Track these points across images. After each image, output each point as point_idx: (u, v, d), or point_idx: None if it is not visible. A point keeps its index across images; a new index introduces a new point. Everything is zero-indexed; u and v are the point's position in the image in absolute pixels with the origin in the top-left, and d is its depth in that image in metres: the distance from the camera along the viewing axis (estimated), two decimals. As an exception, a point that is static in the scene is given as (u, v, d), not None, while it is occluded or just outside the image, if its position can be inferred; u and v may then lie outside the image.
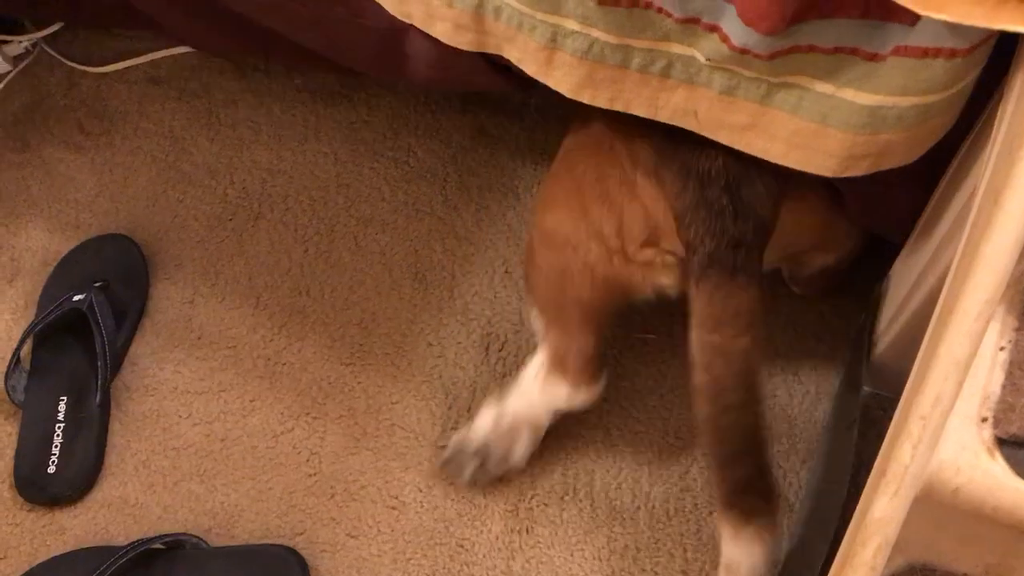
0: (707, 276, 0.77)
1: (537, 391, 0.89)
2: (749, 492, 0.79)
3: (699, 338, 0.77)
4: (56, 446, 1.00)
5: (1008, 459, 0.53)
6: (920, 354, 0.57)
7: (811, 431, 0.98)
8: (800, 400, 1.00)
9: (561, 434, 0.99)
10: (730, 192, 0.77)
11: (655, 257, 0.82)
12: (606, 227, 0.80)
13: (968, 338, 0.51)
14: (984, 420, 0.54)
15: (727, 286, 0.76)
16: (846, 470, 0.88)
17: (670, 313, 1.04)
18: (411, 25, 0.83)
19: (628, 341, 1.03)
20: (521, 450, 0.92)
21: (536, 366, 0.89)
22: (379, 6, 0.84)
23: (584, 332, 0.85)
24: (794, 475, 0.97)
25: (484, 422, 0.93)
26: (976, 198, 0.57)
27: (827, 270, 0.97)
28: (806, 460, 0.97)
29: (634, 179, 0.81)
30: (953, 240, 0.68)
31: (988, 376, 0.55)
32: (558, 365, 0.87)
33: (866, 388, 0.94)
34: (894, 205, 0.85)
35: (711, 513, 0.95)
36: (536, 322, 0.88)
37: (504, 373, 1.03)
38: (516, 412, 0.91)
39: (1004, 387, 0.55)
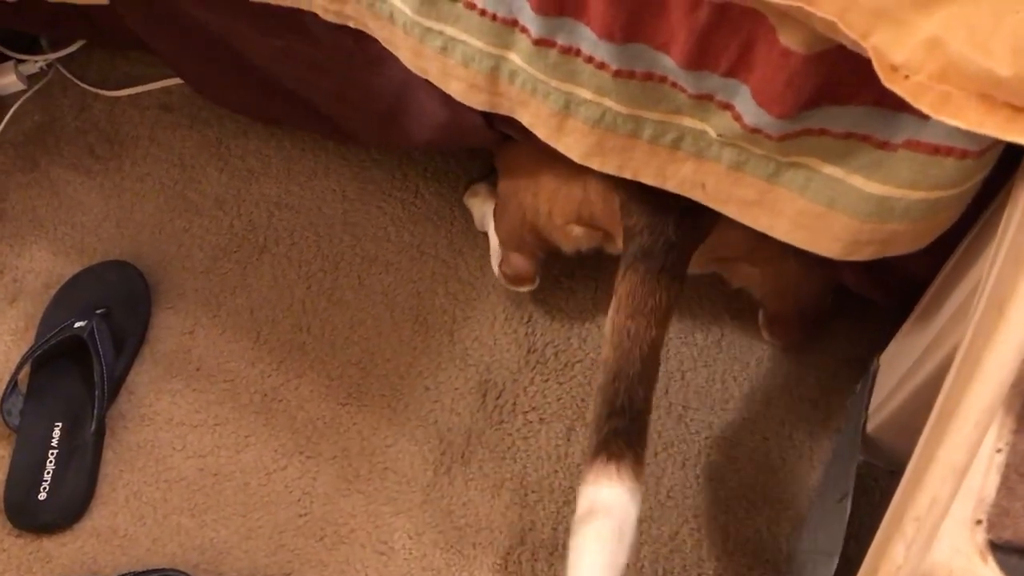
0: (635, 267, 0.84)
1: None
2: (619, 437, 0.82)
3: (616, 320, 0.85)
4: (48, 472, 1.00)
5: (1001, 565, 0.53)
6: (917, 451, 0.57)
7: (803, 497, 0.99)
8: (793, 465, 1.00)
9: (552, 488, 0.99)
10: (678, 196, 0.80)
11: (581, 232, 0.93)
12: (543, 204, 0.92)
13: (967, 445, 0.52)
14: (978, 523, 0.55)
15: (652, 282, 0.84)
16: (837, 543, 0.88)
17: (666, 371, 1.05)
18: (423, 82, 0.84)
19: (625, 396, 1.04)
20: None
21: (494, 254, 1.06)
22: (395, 58, 0.85)
23: (524, 257, 1.02)
24: (784, 540, 0.97)
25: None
26: (979, 299, 0.57)
27: (787, 313, 1.02)
28: (796, 526, 0.97)
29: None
30: (955, 331, 0.68)
31: (984, 478, 0.56)
32: (505, 268, 1.04)
33: (860, 457, 0.95)
34: (894, 275, 0.85)
35: (699, 574, 0.95)
36: (495, 243, 1.05)
37: (500, 421, 1.03)
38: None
39: (999, 490, 0.56)
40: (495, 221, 1.04)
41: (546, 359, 1.06)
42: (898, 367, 0.86)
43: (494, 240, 1.05)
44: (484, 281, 1.11)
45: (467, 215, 1.15)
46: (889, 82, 0.55)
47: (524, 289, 1.06)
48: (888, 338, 0.93)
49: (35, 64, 1.24)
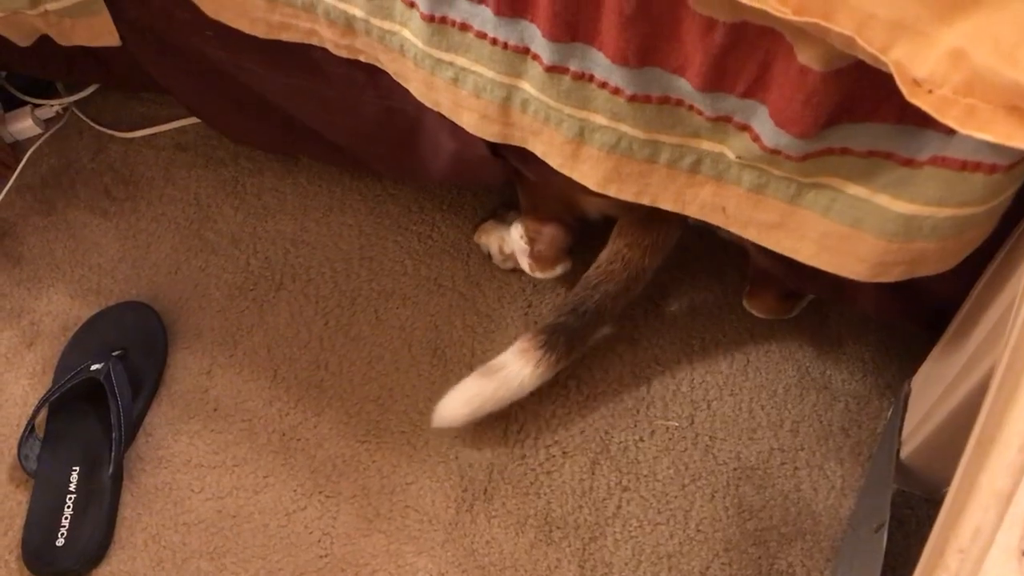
0: (638, 206, 0.87)
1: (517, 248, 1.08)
2: (562, 335, 0.95)
3: (616, 244, 0.96)
4: (66, 518, 0.99)
5: (1050, 597, 0.50)
6: (957, 481, 0.55)
7: (836, 528, 0.96)
8: (825, 495, 0.97)
9: (578, 524, 0.97)
10: None
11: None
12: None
13: (1010, 470, 0.49)
14: (1024, 553, 0.52)
15: (649, 220, 0.94)
16: (874, 575, 0.85)
17: (692, 400, 1.02)
18: (434, 115, 0.83)
19: (650, 427, 1.01)
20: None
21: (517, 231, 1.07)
22: (407, 91, 0.85)
23: (555, 226, 1.03)
24: (818, 573, 0.94)
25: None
26: (1015, 318, 0.55)
27: (773, 275, 1.01)
28: (830, 559, 0.94)
29: None
30: (989, 352, 0.66)
31: (1029, 505, 0.53)
32: (538, 246, 1.05)
33: (894, 486, 0.92)
34: (923, 299, 0.83)
35: (732, 611, 0.92)
36: (520, 243, 1.07)
37: (523, 455, 1.01)
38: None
39: (1046, 518, 0.53)
40: (523, 204, 1.04)
41: (568, 391, 1.04)
42: (931, 392, 0.83)
43: (519, 243, 1.05)
44: (502, 313, 1.09)
45: (484, 247, 1.14)
46: (912, 97, 0.54)
47: (559, 270, 1.06)
48: (918, 362, 0.90)
49: (51, 108, 1.25)
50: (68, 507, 1.00)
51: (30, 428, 1.02)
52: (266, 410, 1.06)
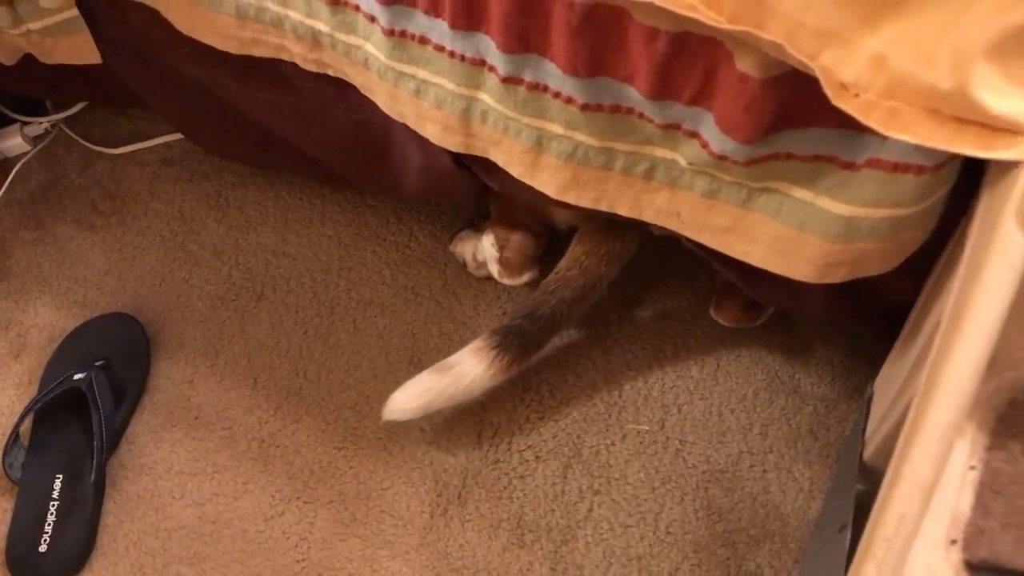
0: (597, 215, 0.89)
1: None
2: (517, 338, 0.96)
3: (575, 251, 0.98)
4: (49, 525, 1.01)
5: (978, 586, 0.52)
6: (888, 472, 0.56)
7: (804, 529, 0.97)
8: (793, 498, 0.98)
9: (550, 527, 0.98)
10: None
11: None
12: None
13: (931, 460, 0.51)
14: (953, 543, 0.53)
15: (610, 230, 0.96)
16: (838, 575, 0.86)
17: (663, 404, 1.04)
18: (401, 127, 0.85)
19: (622, 432, 1.03)
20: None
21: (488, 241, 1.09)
22: (375, 104, 0.87)
23: (523, 234, 1.05)
24: (786, 574, 0.95)
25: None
26: (943, 317, 0.57)
27: (734, 297, 1.05)
28: (798, 560, 0.95)
29: None
30: (933, 350, 0.67)
31: (957, 496, 0.55)
32: (507, 254, 1.08)
33: (859, 486, 0.93)
34: (878, 304, 0.85)
35: (701, 612, 0.93)
36: (491, 251, 1.09)
37: (496, 460, 1.03)
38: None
39: (974, 508, 0.55)
40: (493, 212, 1.07)
41: (541, 396, 1.06)
42: (888, 392, 0.84)
43: (489, 250, 1.08)
44: (478, 320, 1.11)
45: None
46: (838, 100, 0.56)
47: (526, 277, 1.08)
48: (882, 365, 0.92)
49: (40, 125, 1.28)
50: (51, 514, 1.02)
51: (15, 437, 1.04)
52: (246, 418, 1.08)
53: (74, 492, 1.03)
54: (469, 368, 0.96)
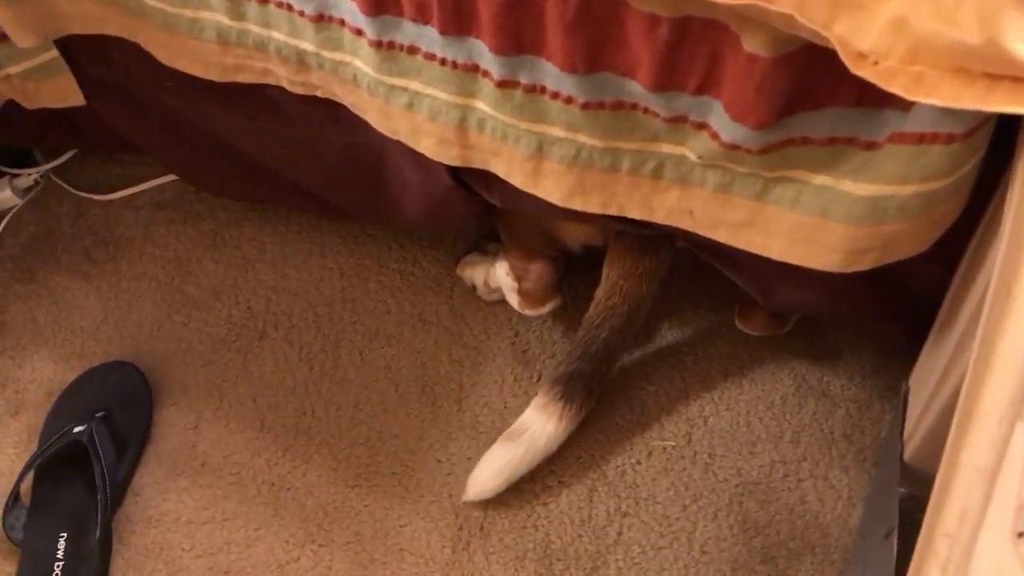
0: (625, 233, 0.89)
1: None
2: (579, 382, 0.93)
3: (610, 278, 0.93)
4: (55, 586, 0.97)
5: (1050, 579, 0.47)
6: (942, 464, 0.52)
7: (846, 538, 0.92)
8: (832, 506, 0.94)
9: (579, 554, 0.93)
10: None
11: (580, 226, 0.94)
12: None
13: (992, 443, 0.47)
14: (1021, 535, 0.49)
15: (640, 248, 0.91)
16: (886, 583, 0.81)
17: (688, 418, 1.00)
18: (396, 146, 0.82)
19: (647, 449, 0.99)
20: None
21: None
22: (368, 124, 0.84)
23: (541, 262, 1.01)
24: (832, 588, 0.90)
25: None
26: (990, 291, 0.53)
27: (758, 305, 0.99)
28: (842, 571, 0.90)
29: None
30: (973, 336, 0.63)
31: (1021, 484, 0.50)
32: (526, 284, 1.03)
33: (902, 490, 0.88)
34: (908, 297, 0.81)
35: (744, 634, 0.88)
36: (507, 280, 1.04)
37: (518, 488, 0.98)
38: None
39: (1041, 496, 0.50)
40: (506, 241, 1.03)
41: (559, 418, 1.01)
42: (926, 386, 0.80)
43: (505, 280, 1.04)
44: (489, 345, 1.07)
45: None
46: (857, 69, 0.52)
47: (549, 307, 1.04)
48: (916, 361, 0.88)
49: (30, 177, 1.25)
50: (57, 575, 0.97)
51: (15, 497, 1.00)
52: (254, 461, 1.03)
53: (79, 551, 0.98)
54: (540, 428, 0.93)
